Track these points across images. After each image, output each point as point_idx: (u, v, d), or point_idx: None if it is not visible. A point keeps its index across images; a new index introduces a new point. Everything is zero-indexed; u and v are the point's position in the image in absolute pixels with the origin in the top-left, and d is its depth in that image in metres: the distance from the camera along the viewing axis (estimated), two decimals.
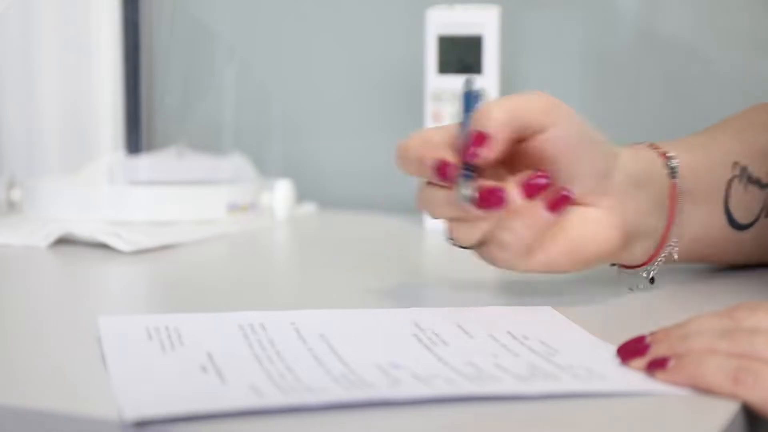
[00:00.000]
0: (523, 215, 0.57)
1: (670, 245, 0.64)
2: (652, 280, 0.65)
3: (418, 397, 0.43)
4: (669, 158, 0.63)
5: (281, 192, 1.06)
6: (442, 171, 0.56)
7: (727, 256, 0.70)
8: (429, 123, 0.99)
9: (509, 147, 0.58)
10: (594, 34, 1.09)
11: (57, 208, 0.99)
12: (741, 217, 0.68)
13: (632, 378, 0.46)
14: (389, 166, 1.17)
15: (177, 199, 1.00)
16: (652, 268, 0.65)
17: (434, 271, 0.82)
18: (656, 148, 0.64)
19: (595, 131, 0.60)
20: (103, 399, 0.44)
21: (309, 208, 1.12)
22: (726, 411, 0.42)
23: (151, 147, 1.28)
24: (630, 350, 0.48)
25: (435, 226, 0.97)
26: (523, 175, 0.57)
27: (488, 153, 0.56)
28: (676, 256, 0.64)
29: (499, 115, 0.57)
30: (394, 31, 1.17)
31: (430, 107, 0.99)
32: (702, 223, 0.66)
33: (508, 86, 1.05)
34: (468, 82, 0.60)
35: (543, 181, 0.57)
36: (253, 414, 0.41)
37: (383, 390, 0.43)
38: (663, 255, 0.64)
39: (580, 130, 0.59)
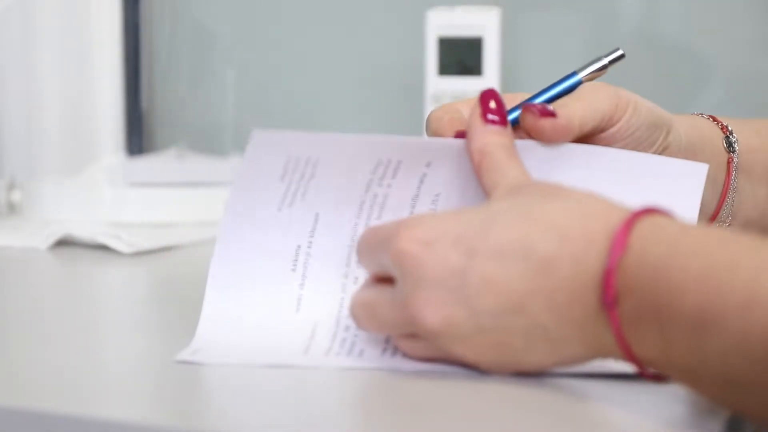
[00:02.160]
0: None
1: (720, 221, 0.61)
2: None
3: None
4: (729, 132, 0.60)
5: None
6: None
7: None
8: None
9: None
10: (594, 36, 1.09)
11: (57, 210, 0.99)
12: None
13: None
14: None
15: (177, 201, 1.00)
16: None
17: None
18: (716, 120, 0.60)
19: (653, 110, 0.56)
20: (103, 399, 0.44)
21: None
22: (723, 415, 0.42)
23: (151, 149, 1.28)
24: None
25: None
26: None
27: (550, 131, 0.52)
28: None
29: (576, 115, 0.53)
30: (394, 32, 1.17)
31: (430, 109, 0.98)
32: (757, 205, 0.62)
33: (508, 88, 1.05)
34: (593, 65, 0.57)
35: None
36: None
37: None
38: (723, 219, 0.61)
39: (638, 120, 0.55)
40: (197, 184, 1.05)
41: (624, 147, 0.55)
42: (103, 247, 0.84)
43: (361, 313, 0.47)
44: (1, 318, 0.62)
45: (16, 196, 1.05)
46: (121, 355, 0.51)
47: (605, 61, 0.57)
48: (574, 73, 0.56)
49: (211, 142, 1.25)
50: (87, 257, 0.82)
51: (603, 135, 0.55)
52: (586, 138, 0.55)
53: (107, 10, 1.24)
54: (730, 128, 0.60)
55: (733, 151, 0.60)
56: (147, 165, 1.08)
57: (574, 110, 0.53)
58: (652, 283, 0.40)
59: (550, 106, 0.53)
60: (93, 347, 0.51)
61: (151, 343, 0.53)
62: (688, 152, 0.57)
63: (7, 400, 0.43)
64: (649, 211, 0.42)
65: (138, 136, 1.28)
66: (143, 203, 0.99)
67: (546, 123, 0.52)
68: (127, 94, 1.27)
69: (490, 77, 0.97)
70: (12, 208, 1.05)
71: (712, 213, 0.60)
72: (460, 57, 0.98)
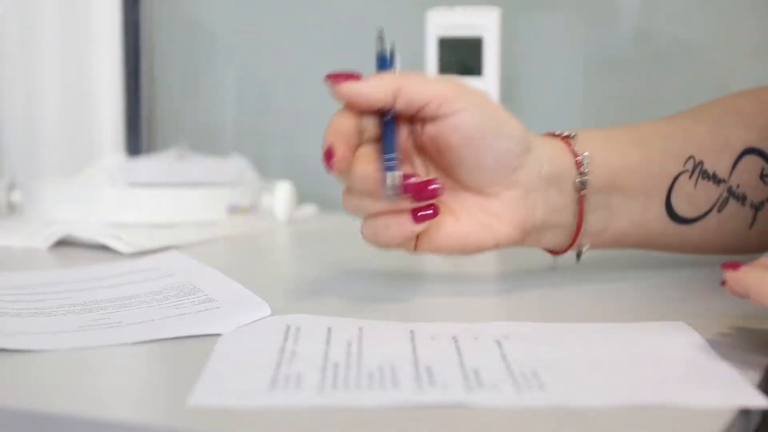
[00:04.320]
0: (394, 218, 0.57)
1: (582, 244, 0.65)
2: (578, 256, 0.67)
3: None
4: (582, 167, 0.63)
5: (282, 194, 1.06)
6: (327, 158, 0.57)
7: (669, 247, 0.70)
8: None
9: (408, 126, 0.58)
10: (594, 36, 1.09)
11: (57, 210, 0.99)
12: (686, 211, 0.68)
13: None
14: None
15: (177, 201, 1.00)
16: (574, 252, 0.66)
17: (435, 272, 0.82)
18: (575, 155, 0.63)
19: (508, 120, 0.59)
20: (104, 400, 0.44)
21: (309, 209, 1.12)
22: (722, 420, 0.42)
23: (151, 149, 1.28)
24: (730, 264, 0.50)
25: None
26: (418, 179, 0.56)
27: (344, 92, 0.57)
28: (584, 249, 0.65)
29: (384, 85, 0.57)
30: (394, 32, 1.17)
31: None
32: (632, 217, 0.67)
33: (508, 88, 1.05)
34: (380, 40, 0.62)
35: (437, 185, 0.56)
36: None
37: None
38: (575, 249, 0.65)
39: (487, 119, 0.58)
40: (197, 184, 1.05)
41: (470, 144, 0.58)
42: (103, 247, 0.85)
43: None
44: None
45: (17, 196, 1.05)
46: (121, 354, 0.51)
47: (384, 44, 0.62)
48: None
49: (211, 142, 1.25)
50: (87, 257, 0.83)
51: (445, 122, 0.57)
52: (426, 118, 0.57)
53: (107, 10, 1.25)
54: (583, 164, 0.63)
55: (585, 188, 0.63)
56: (147, 165, 1.08)
57: (386, 81, 0.57)
58: None
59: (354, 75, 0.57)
60: (92, 347, 0.52)
61: (151, 345, 0.53)
62: (546, 182, 0.61)
63: (8, 400, 0.43)
64: None
65: (138, 136, 1.28)
66: (143, 203, 1.00)
67: (343, 87, 0.57)
68: (127, 94, 1.27)
69: (490, 77, 0.97)
70: (12, 208, 1.05)
71: (572, 236, 0.64)
72: (460, 57, 0.98)
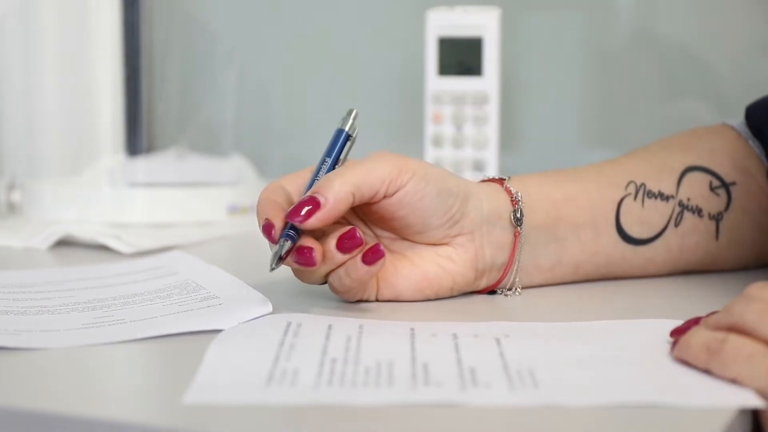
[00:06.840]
0: (346, 266, 0.59)
1: (514, 277, 0.65)
2: (510, 290, 0.66)
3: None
4: (517, 203, 0.64)
5: None
6: (267, 232, 0.58)
7: (636, 270, 0.70)
8: (429, 125, 0.99)
9: (352, 210, 0.60)
10: (593, 36, 1.09)
11: (57, 210, 0.99)
12: (640, 232, 0.68)
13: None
14: None
15: (177, 201, 1.01)
16: (503, 292, 0.65)
17: None
18: (509, 192, 0.64)
19: (447, 180, 0.61)
20: (104, 400, 0.44)
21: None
22: (720, 420, 0.42)
23: (151, 149, 1.28)
24: (681, 329, 0.50)
25: None
26: (339, 232, 0.58)
27: (314, 224, 0.57)
28: (519, 289, 0.65)
29: (341, 190, 0.58)
30: (394, 32, 1.17)
31: (430, 109, 0.99)
32: (585, 246, 0.67)
33: (508, 87, 1.05)
34: (345, 119, 0.64)
35: (357, 237, 0.58)
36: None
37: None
38: (506, 286, 0.65)
39: (428, 186, 0.60)
40: (197, 184, 1.05)
41: (414, 212, 0.60)
42: (103, 247, 0.85)
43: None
44: None
45: (16, 196, 1.05)
46: (121, 353, 0.52)
47: (350, 121, 0.66)
48: (340, 130, 0.64)
49: (211, 142, 1.25)
50: (87, 257, 0.83)
51: (390, 200, 0.60)
52: (373, 202, 0.60)
53: (107, 10, 1.25)
54: (518, 202, 0.64)
55: (520, 225, 0.64)
56: (147, 165, 1.08)
57: (343, 192, 0.58)
58: None
59: (305, 209, 0.57)
60: (93, 348, 0.52)
61: (151, 343, 0.53)
62: (488, 222, 0.63)
63: (7, 400, 0.43)
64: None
65: (138, 137, 1.28)
66: (143, 203, 1.00)
67: (311, 221, 0.57)
68: (127, 95, 1.27)
69: (490, 77, 0.97)
70: (12, 208, 1.05)
71: (502, 271, 0.64)
72: (460, 57, 0.98)
